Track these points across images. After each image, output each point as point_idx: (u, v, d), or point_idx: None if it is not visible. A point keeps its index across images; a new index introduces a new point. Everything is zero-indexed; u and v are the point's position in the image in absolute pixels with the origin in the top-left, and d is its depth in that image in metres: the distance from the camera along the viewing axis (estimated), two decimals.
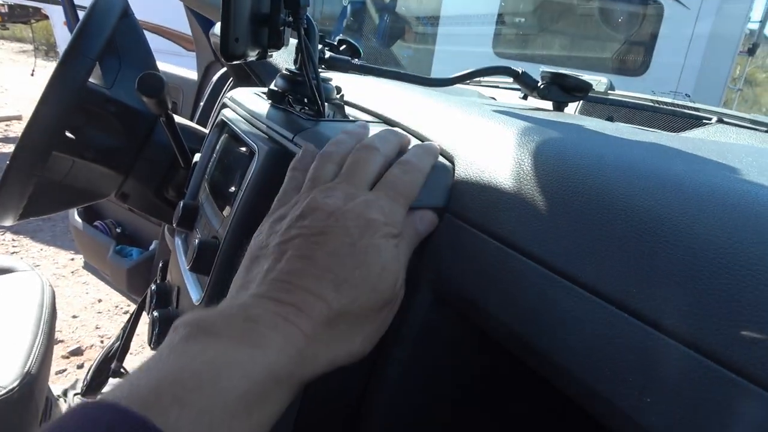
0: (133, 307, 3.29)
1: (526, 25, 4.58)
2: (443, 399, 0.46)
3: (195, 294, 0.58)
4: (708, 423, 0.24)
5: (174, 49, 4.94)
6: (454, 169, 0.45)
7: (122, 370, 0.84)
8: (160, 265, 0.83)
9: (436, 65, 4.54)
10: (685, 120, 0.84)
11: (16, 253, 3.48)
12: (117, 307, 3.16)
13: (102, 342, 2.85)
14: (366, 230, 0.35)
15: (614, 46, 4.64)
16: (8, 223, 0.96)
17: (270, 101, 0.63)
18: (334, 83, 0.66)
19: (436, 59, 4.56)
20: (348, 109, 0.65)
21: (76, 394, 1.62)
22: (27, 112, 6.90)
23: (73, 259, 3.51)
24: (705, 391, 0.24)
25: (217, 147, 0.71)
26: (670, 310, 0.27)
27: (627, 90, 1.08)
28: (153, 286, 0.72)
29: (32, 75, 7.04)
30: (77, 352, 2.78)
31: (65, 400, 1.56)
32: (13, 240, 3.72)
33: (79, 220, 2.20)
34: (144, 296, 0.90)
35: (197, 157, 0.80)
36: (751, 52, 5.65)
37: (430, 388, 0.45)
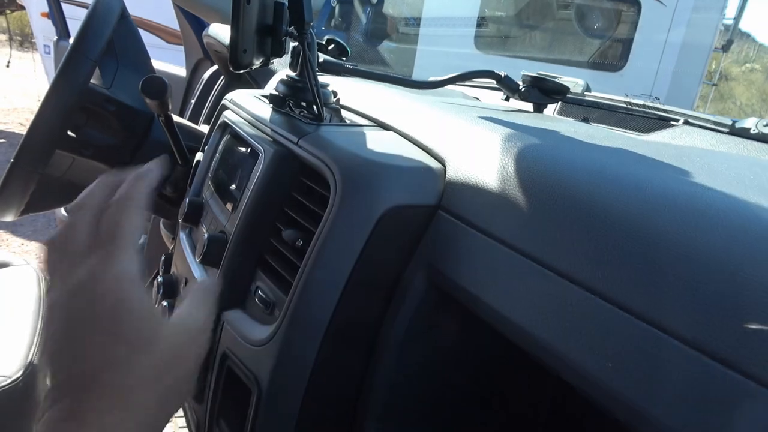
0: None
1: (507, 24, 4.66)
2: (441, 380, 0.51)
3: None
4: (712, 421, 0.30)
5: (155, 42, 4.93)
6: (445, 171, 0.51)
7: None
8: (163, 258, 0.87)
9: (420, 60, 4.60)
10: (654, 121, 0.91)
11: None
12: None
13: None
14: None
15: (593, 41, 4.74)
16: (9, 218, 0.99)
17: (272, 105, 0.68)
18: (330, 88, 0.71)
19: (419, 54, 4.61)
20: (344, 113, 0.70)
21: None
22: (2, 104, 6.77)
23: None
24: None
25: (220, 147, 0.76)
26: (624, 284, 0.33)
27: (606, 86, 1.14)
28: (160, 278, 0.76)
29: (8, 66, 6.90)
30: None
31: None
32: None
33: (66, 214, 2.21)
34: (148, 284, 0.94)
35: (199, 155, 0.84)
36: (725, 48, 5.81)
37: (427, 368, 0.50)
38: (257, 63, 0.62)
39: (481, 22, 4.54)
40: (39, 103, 0.86)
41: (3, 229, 3.73)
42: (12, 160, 0.89)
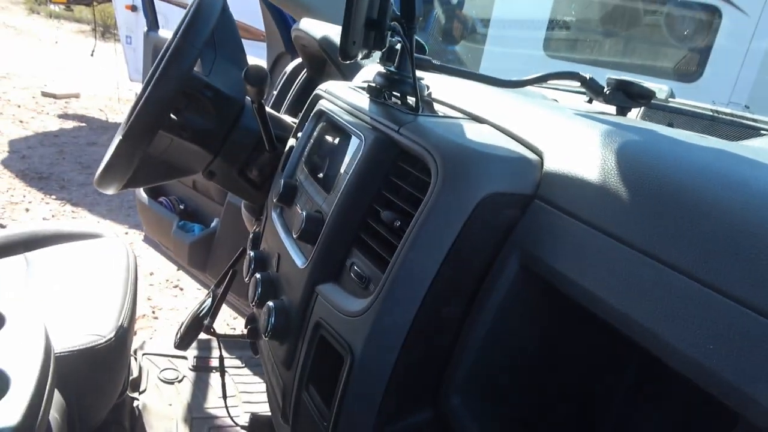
0: (185, 282, 3.42)
1: (578, 29, 4.58)
2: (526, 359, 0.54)
3: (299, 260, 0.68)
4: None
5: None
6: (542, 163, 0.53)
7: (212, 328, 0.95)
8: (251, 236, 0.93)
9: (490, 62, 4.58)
10: (742, 130, 0.89)
11: None
12: (167, 280, 3.32)
13: (153, 312, 3.01)
14: None
15: (666, 50, 4.58)
16: (111, 192, 1.07)
17: (369, 95, 0.72)
18: (424, 82, 0.74)
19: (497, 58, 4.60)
20: (436, 105, 0.74)
21: (144, 354, 1.76)
22: (85, 91, 7.21)
23: (126, 233, 3.71)
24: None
25: (315, 133, 0.81)
26: (730, 274, 0.35)
27: (681, 94, 1.12)
28: (251, 253, 0.82)
29: (92, 55, 7.31)
30: None
31: (135, 359, 1.70)
32: (72, 211, 3.95)
33: (145, 196, 2.34)
34: (234, 260, 1.01)
35: (292, 141, 0.89)
36: None
37: (514, 346, 0.53)
38: (361, 55, 0.66)
39: (552, 25, 4.48)
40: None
41: (81, 207, 3.99)
42: (120, 137, 0.97)
